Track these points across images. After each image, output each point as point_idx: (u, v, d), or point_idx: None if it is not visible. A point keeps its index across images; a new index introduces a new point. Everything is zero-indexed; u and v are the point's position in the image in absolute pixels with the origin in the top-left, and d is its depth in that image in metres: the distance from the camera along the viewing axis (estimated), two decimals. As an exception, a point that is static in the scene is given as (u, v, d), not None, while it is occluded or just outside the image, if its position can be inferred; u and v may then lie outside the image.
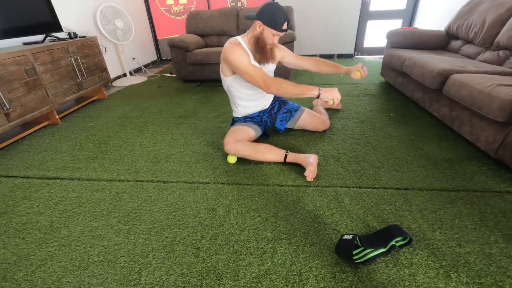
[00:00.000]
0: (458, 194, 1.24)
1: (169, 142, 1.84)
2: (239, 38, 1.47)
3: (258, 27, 1.38)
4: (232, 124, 1.76)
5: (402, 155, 1.56)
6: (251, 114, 1.70)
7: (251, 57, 1.45)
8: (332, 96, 1.29)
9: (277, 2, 1.38)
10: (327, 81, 3.04)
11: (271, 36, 1.38)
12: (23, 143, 1.94)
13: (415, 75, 2.07)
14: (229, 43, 1.44)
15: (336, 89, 1.31)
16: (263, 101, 1.70)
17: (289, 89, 1.33)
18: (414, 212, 1.15)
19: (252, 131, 1.64)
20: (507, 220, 1.08)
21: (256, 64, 1.48)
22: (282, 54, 1.65)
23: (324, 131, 1.85)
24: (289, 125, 1.78)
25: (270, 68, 1.59)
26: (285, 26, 1.36)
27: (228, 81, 1.54)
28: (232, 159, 1.54)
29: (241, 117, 1.71)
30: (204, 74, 3.15)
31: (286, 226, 1.11)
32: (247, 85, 1.51)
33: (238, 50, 1.38)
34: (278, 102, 1.78)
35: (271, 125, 1.77)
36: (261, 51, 1.44)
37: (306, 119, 1.78)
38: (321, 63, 1.67)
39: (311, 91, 1.31)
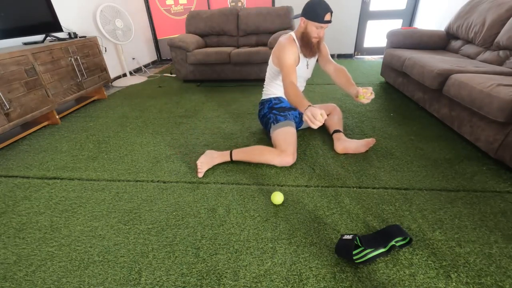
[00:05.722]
0: (458, 194, 1.24)
1: (169, 142, 1.84)
2: (292, 33, 1.54)
3: (302, 23, 1.45)
4: (269, 108, 1.68)
5: (402, 155, 1.56)
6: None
7: (299, 50, 1.53)
8: (307, 116, 1.12)
9: None
10: (328, 82, 3.04)
11: (315, 29, 1.43)
12: (23, 143, 1.94)
13: (415, 75, 2.07)
14: (285, 39, 1.52)
15: (318, 110, 1.10)
16: None
17: (288, 97, 1.32)
18: (414, 212, 1.15)
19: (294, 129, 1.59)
20: (507, 220, 1.08)
21: (302, 57, 1.56)
22: (322, 49, 1.63)
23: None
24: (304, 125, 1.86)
25: (312, 61, 1.65)
26: (327, 17, 1.38)
27: (275, 69, 1.63)
28: (279, 198, 1.22)
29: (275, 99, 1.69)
30: (204, 74, 3.15)
31: (286, 226, 1.11)
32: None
33: (290, 48, 1.47)
34: None
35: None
36: (307, 45, 1.50)
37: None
38: (339, 73, 1.55)
39: (300, 108, 1.20)
